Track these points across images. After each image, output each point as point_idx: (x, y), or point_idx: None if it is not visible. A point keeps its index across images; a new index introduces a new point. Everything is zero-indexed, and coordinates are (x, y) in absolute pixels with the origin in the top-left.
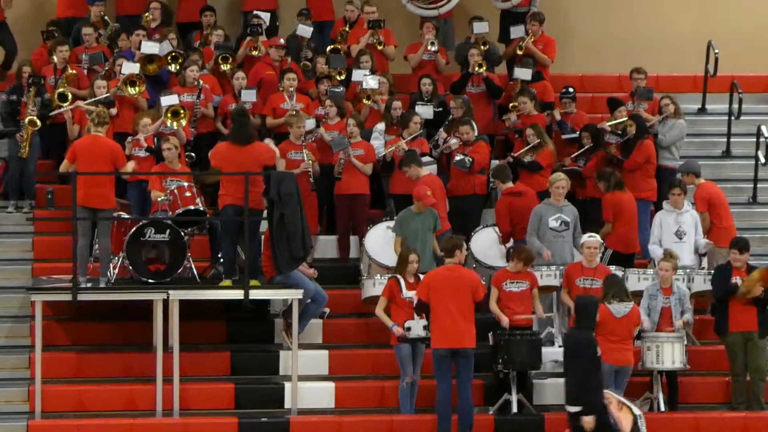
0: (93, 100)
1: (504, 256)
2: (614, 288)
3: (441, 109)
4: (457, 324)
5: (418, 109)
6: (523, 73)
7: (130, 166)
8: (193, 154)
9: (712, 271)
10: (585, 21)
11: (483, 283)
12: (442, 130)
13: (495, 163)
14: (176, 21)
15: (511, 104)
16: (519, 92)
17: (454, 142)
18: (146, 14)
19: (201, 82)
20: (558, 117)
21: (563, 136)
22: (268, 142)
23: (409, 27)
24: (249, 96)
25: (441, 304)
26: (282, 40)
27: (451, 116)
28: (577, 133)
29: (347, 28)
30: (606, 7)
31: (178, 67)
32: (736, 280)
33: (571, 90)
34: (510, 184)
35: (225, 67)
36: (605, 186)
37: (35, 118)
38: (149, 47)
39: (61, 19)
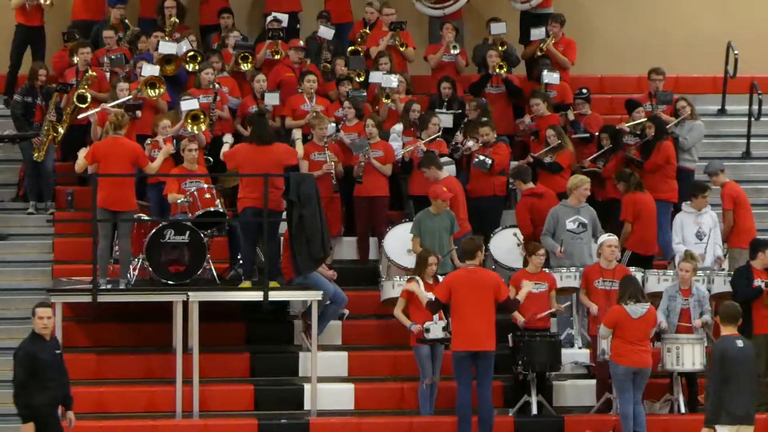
0: (120, 101)
1: (523, 258)
2: (630, 289)
3: (461, 111)
4: (477, 326)
5: (439, 116)
6: (552, 78)
7: (156, 165)
8: (210, 158)
9: (732, 273)
10: (604, 22)
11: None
12: (458, 133)
13: (514, 164)
14: (200, 24)
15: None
16: (532, 94)
17: (470, 144)
18: (171, 19)
19: (218, 85)
20: (572, 117)
21: (574, 135)
22: (297, 135)
23: (417, 28)
24: (272, 99)
25: (462, 305)
26: (301, 42)
27: (466, 118)
28: (589, 133)
29: (367, 30)
30: (626, 9)
31: (196, 67)
32: (758, 282)
33: (584, 91)
34: (531, 185)
35: (245, 67)
36: (625, 187)
37: (58, 124)
38: (166, 47)
39: (78, 21)
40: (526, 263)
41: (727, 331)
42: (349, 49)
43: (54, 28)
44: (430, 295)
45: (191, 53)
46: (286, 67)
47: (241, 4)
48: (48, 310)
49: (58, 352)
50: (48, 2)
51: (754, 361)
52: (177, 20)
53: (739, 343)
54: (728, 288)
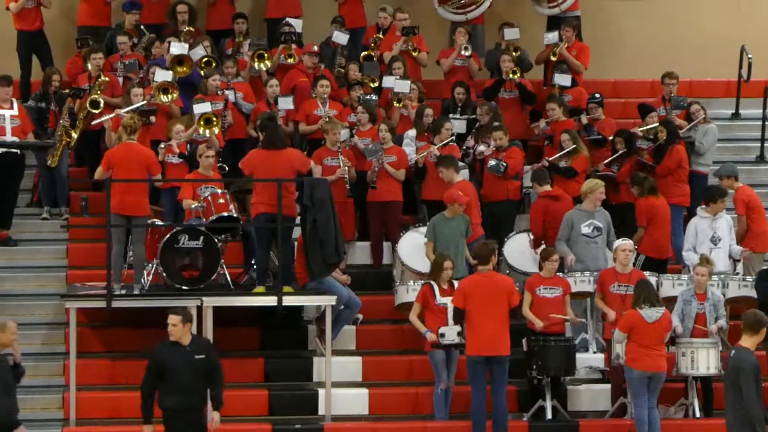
0: (134, 107)
1: (537, 262)
2: (645, 293)
3: (474, 116)
4: (492, 331)
5: (452, 121)
6: (563, 79)
7: (158, 177)
8: (225, 167)
9: (748, 277)
10: (618, 27)
11: (518, 290)
12: (470, 138)
13: (527, 168)
14: (207, 28)
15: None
16: (547, 99)
17: (482, 149)
18: (187, 28)
19: (234, 92)
20: (585, 122)
21: (588, 137)
22: None
23: (439, 33)
24: (285, 103)
25: (476, 310)
26: (315, 47)
27: (478, 123)
28: (602, 135)
29: (380, 35)
30: (639, 13)
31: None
32: None
33: (597, 96)
34: (547, 188)
35: (261, 66)
36: (639, 191)
37: (71, 129)
38: (178, 48)
39: (84, 27)
40: (541, 267)
41: (742, 340)
42: (363, 54)
43: (63, 35)
44: (445, 300)
45: (206, 59)
46: (299, 72)
47: (240, 9)
48: (174, 317)
49: (198, 357)
50: None
51: (741, 373)
52: (192, 28)
53: (732, 353)
54: (743, 292)
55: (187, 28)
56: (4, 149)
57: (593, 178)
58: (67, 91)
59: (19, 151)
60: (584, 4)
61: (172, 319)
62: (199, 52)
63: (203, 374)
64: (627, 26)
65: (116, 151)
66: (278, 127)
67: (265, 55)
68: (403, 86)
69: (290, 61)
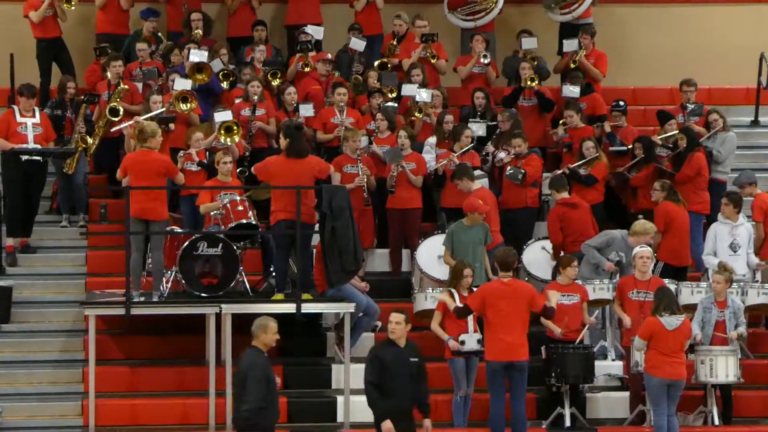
0: (153, 114)
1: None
2: (665, 300)
3: (495, 122)
4: (511, 337)
5: (471, 125)
6: (572, 92)
7: (180, 178)
8: (247, 171)
9: (767, 285)
10: (637, 34)
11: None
12: (490, 144)
13: (546, 175)
14: (227, 36)
15: (561, 121)
16: (565, 106)
17: (502, 156)
18: (195, 32)
19: (257, 97)
20: (608, 129)
21: (611, 149)
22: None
23: (449, 40)
24: (306, 111)
25: (496, 317)
26: (329, 55)
27: (498, 129)
28: (625, 146)
29: (394, 42)
30: (658, 21)
31: (229, 85)
32: None
33: (621, 103)
34: (565, 195)
35: (275, 83)
36: (664, 196)
37: (87, 136)
38: (197, 55)
39: (102, 35)
40: (554, 275)
41: None
42: (377, 62)
43: (81, 43)
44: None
45: (224, 72)
46: (313, 80)
47: (262, 16)
48: (399, 316)
49: (413, 360)
50: (73, 4)
51: None
52: (200, 32)
53: None
54: (762, 300)
55: (196, 31)
56: (26, 157)
57: (645, 221)
58: (82, 97)
59: (41, 159)
60: (604, 12)
61: (397, 317)
62: (218, 65)
63: (414, 378)
64: (646, 34)
65: (132, 158)
66: (302, 136)
67: (279, 73)
68: (422, 96)
69: (306, 69)
